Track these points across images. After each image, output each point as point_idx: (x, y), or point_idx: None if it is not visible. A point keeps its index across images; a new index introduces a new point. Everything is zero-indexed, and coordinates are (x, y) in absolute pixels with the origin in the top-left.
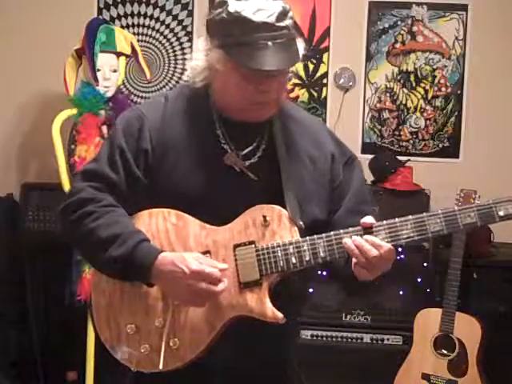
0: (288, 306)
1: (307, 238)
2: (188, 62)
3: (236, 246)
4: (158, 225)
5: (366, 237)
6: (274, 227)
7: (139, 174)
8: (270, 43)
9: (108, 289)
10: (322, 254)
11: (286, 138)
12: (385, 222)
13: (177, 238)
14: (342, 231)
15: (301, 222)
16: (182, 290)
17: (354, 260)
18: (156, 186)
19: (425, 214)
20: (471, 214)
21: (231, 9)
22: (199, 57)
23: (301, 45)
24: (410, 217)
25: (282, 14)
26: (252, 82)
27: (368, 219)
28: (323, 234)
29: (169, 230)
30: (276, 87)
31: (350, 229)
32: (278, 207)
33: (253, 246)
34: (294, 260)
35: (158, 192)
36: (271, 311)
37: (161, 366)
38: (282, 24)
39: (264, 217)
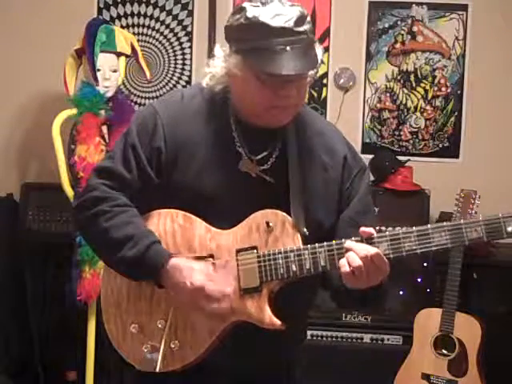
0: (292, 311)
1: (308, 246)
2: (206, 69)
3: (238, 251)
4: (166, 225)
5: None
6: (277, 233)
7: (151, 173)
8: (288, 48)
9: (116, 287)
10: (322, 263)
11: (300, 145)
12: (387, 232)
13: (182, 240)
14: (343, 241)
15: (304, 229)
16: (185, 299)
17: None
18: (169, 184)
19: (429, 226)
20: (478, 228)
21: (249, 14)
22: (217, 64)
23: (319, 50)
24: (415, 228)
25: (300, 19)
26: (270, 87)
27: (368, 229)
28: (325, 243)
29: (175, 231)
30: (295, 92)
31: (353, 238)
32: (281, 213)
33: (255, 251)
34: (294, 268)
35: (171, 190)
36: (269, 318)
37: (157, 368)
38: (300, 29)
39: (267, 223)
